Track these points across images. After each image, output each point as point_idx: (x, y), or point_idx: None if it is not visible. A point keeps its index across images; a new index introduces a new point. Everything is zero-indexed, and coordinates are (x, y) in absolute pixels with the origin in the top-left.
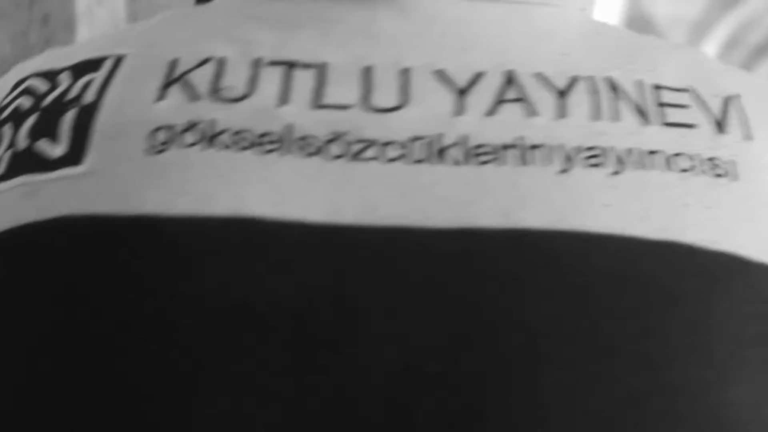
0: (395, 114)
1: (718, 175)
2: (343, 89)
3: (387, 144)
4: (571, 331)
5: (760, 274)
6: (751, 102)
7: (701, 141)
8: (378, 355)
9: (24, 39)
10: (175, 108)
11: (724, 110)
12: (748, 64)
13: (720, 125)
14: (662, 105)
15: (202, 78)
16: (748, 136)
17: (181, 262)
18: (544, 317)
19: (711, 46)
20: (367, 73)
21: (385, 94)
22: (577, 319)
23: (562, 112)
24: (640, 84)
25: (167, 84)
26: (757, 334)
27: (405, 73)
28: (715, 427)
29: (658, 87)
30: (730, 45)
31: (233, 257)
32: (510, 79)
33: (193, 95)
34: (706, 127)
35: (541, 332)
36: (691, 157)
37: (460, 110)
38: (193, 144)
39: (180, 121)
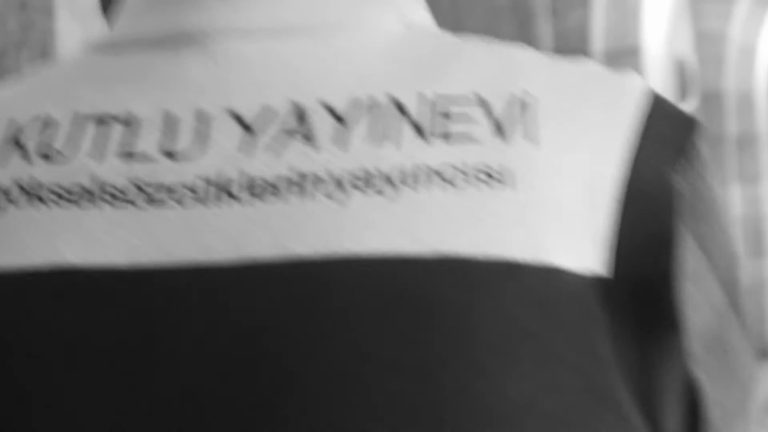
0: (190, 158)
1: (494, 185)
2: (146, 139)
3: (181, 188)
4: (346, 350)
5: (533, 274)
6: (549, 103)
7: (479, 152)
8: (174, 384)
9: (1, 25)
10: (3, 168)
11: (512, 116)
12: None
13: (503, 133)
14: (445, 119)
15: (29, 137)
16: (533, 141)
17: (3, 311)
18: (317, 341)
19: None
20: (169, 121)
21: (182, 140)
22: (351, 339)
23: (342, 140)
24: (425, 100)
25: (1, 145)
26: (529, 332)
27: (202, 117)
28: (488, 426)
29: (444, 100)
30: None
31: (48, 302)
32: (297, 113)
33: (22, 155)
34: (486, 137)
35: (316, 354)
36: (465, 171)
37: (247, 149)
38: (17, 201)
39: (6, 180)
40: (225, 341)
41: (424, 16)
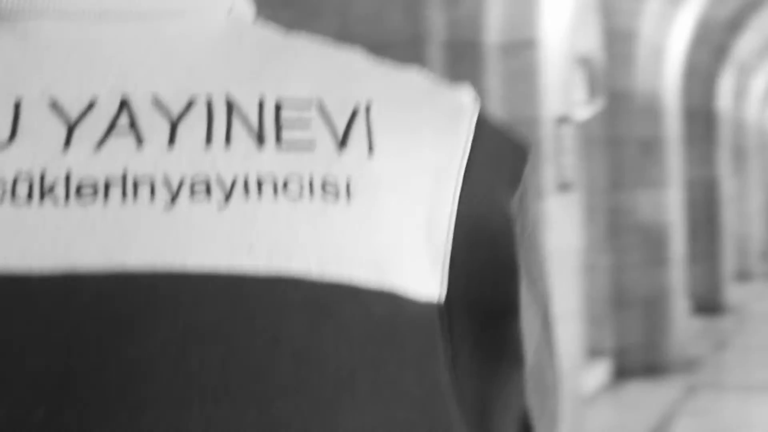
0: (3, 151)
1: (331, 198)
2: None
3: None
4: (172, 373)
5: (371, 298)
6: (383, 110)
7: (318, 161)
8: None
9: None
10: None
11: (350, 123)
12: None
13: (341, 141)
14: (282, 124)
15: None
16: (369, 151)
17: None
18: (144, 360)
19: None
20: None
21: None
22: (180, 362)
23: (172, 141)
24: (261, 101)
25: None
26: (367, 359)
27: (17, 105)
28: None
29: (281, 103)
30: None
31: None
32: (125, 106)
33: None
34: (325, 145)
35: (141, 374)
36: (303, 181)
37: (67, 144)
38: None
39: None
40: (41, 358)
41: (244, 4)
